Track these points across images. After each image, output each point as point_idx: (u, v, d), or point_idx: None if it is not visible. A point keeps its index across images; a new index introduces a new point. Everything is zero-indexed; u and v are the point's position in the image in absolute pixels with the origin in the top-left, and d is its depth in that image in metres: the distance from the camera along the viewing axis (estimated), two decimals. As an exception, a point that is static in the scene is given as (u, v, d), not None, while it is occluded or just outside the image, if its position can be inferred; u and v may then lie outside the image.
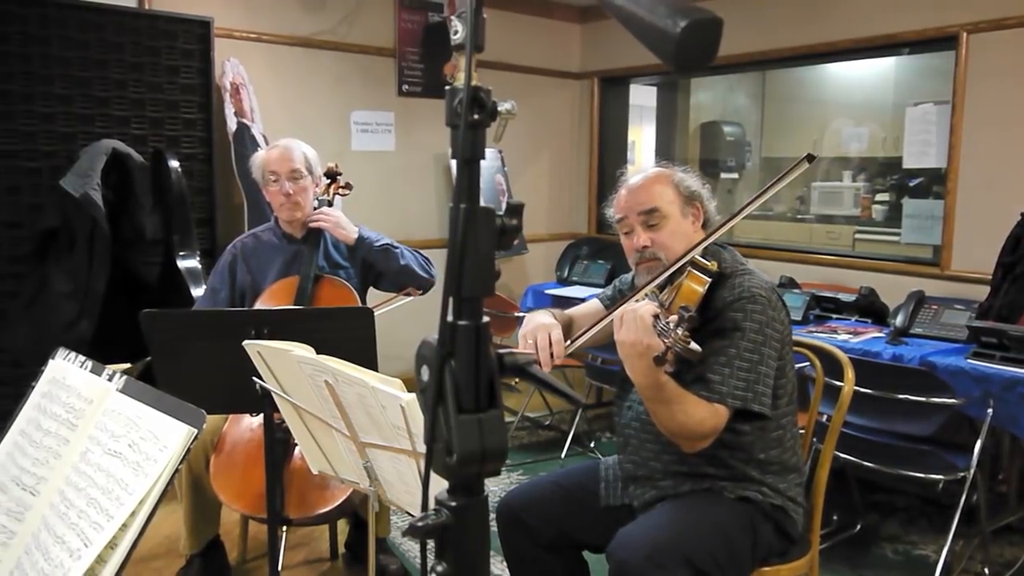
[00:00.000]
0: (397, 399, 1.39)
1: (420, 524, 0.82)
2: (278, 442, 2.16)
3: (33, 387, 1.55)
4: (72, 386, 1.47)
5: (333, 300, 2.70)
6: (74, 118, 3.72)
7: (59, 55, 3.65)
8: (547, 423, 4.75)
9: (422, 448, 1.48)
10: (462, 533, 0.84)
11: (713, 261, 1.86)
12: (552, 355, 1.87)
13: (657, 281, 1.87)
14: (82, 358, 1.50)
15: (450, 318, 0.82)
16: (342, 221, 2.79)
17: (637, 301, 1.79)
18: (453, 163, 3.94)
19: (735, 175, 6.90)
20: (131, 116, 3.86)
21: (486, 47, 0.82)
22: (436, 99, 5.20)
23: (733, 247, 2.05)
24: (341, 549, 3.06)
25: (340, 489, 2.39)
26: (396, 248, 2.83)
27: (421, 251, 2.94)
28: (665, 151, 6.64)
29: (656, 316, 1.64)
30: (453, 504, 0.84)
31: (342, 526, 3.08)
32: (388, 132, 5.05)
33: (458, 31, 0.80)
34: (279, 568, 2.19)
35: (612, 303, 2.14)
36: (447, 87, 0.81)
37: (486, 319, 0.83)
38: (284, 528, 2.86)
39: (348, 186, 3.02)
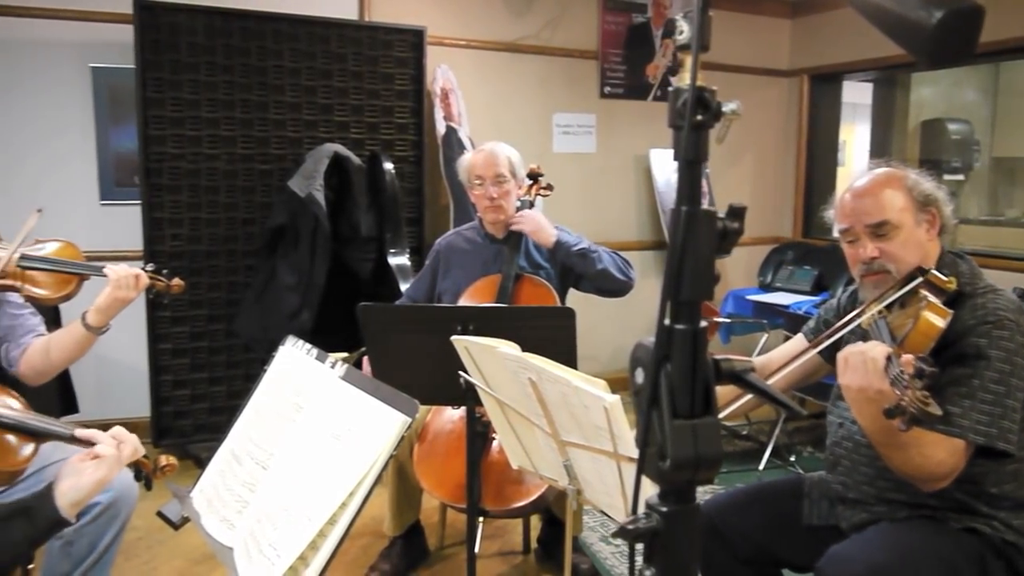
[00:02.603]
0: (601, 400, 1.39)
1: (630, 527, 0.82)
2: (478, 435, 2.23)
3: (265, 371, 1.69)
4: (299, 372, 1.58)
5: (533, 299, 2.75)
6: (301, 124, 4.03)
7: (290, 66, 3.97)
8: (744, 433, 4.59)
9: (624, 450, 1.48)
10: (672, 539, 0.83)
11: (951, 277, 1.67)
12: None
13: (886, 301, 1.69)
14: (308, 346, 1.62)
15: (666, 321, 0.81)
16: (542, 225, 2.83)
17: (863, 325, 1.65)
18: (654, 165, 3.88)
19: (960, 177, 6.34)
20: (351, 121, 4.13)
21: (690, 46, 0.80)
22: (637, 100, 5.18)
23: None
24: (533, 544, 3.11)
25: (535, 485, 2.43)
26: (594, 252, 2.83)
27: (619, 253, 2.93)
28: (881, 151, 6.23)
29: (889, 358, 1.45)
30: (664, 510, 0.83)
31: (535, 521, 3.12)
32: (589, 134, 5.08)
33: (683, 31, 0.79)
34: (476, 557, 2.25)
35: (817, 335, 1.97)
36: (670, 88, 0.80)
37: (704, 323, 0.81)
38: (480, 519, 2.95)
39: (549, 187, 3.07)
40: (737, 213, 0.82)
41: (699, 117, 0.79)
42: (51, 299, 2.13)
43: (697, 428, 0.80)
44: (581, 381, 1.45)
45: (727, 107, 0.81)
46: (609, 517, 1.76)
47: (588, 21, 5.04)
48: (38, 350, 2.17)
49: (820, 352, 1.86)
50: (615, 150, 5.19)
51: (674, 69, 5.24)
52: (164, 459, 1.75)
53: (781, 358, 1.96)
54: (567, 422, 1.60)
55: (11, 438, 1.64)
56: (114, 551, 2.14)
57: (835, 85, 5.75)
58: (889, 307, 1.70)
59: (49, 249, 2.18)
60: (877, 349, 1.50)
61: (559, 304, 2.78)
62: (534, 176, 3.03)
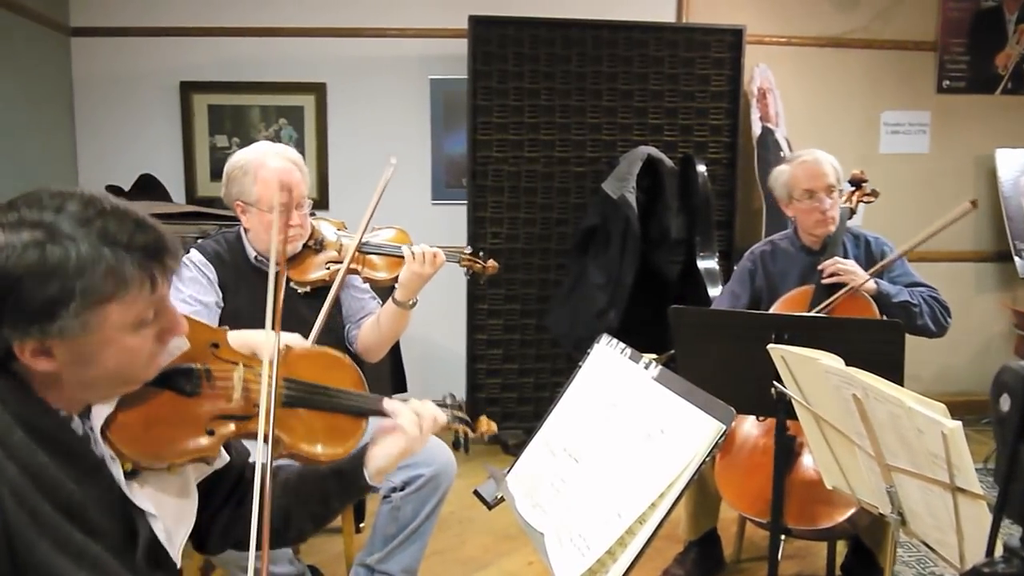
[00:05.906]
0: (939, 425, 1.27)
1: (986, 570, 0.74)
2: (785, 449, 2.13)
3: (580, 366, 1.75)
4: (613, 370, 1.62)
5: (851, 311, 2.58)
6: (616, 127, 4.13)
7: (608, 71, 4.08)
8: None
9: (963, 483, 1.34)
10: (1037, 591, 0.73)
11: None
12: None
13: None
14: (622, 345, 1.64)
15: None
16: (859, 274, 2.63)
17: None
18: (1001, 167, 3.45)
19: None
20: (664, 124, 4.15)
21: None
22: (982, 95, 4.65)
23: None
24: (838, 572, 2.91)
25: (844, 506, 2.28)
26: (915, 306, 2.63)
27: (939, 297, 2.69)
28: None
29: None
30: (1028, 556, 0.74)
31: (840, 547, 2.93)
32: (922, 133, 4.65)
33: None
34: (776, 576, 2.16)
35: None
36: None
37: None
38: (782, 537, 2.82)
39: (874, 193, 2.86)
40: None
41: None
42: (386, 281, 2.37)
43: (1077, 468, 0.70)
44: (916, 402, 1.33)
45: None
46: (937, 554, 1.60)
47: (926, 9, 4.61)
48: (367, 328, 2.43)
49: None
50: (952, 150, 4.70)
51: (1031, 57, 4.64)
52: (485, 423, 1.79)
53: None
54: (895, 445, 1.48)
55: (346, 422, 1.60)
56: (434, 520, 2.36)
57: None
58: None
59: (384, 236, 2.43)
60: None
61: (880, 317, 2.58)
62: (857, 182, 2.84)
